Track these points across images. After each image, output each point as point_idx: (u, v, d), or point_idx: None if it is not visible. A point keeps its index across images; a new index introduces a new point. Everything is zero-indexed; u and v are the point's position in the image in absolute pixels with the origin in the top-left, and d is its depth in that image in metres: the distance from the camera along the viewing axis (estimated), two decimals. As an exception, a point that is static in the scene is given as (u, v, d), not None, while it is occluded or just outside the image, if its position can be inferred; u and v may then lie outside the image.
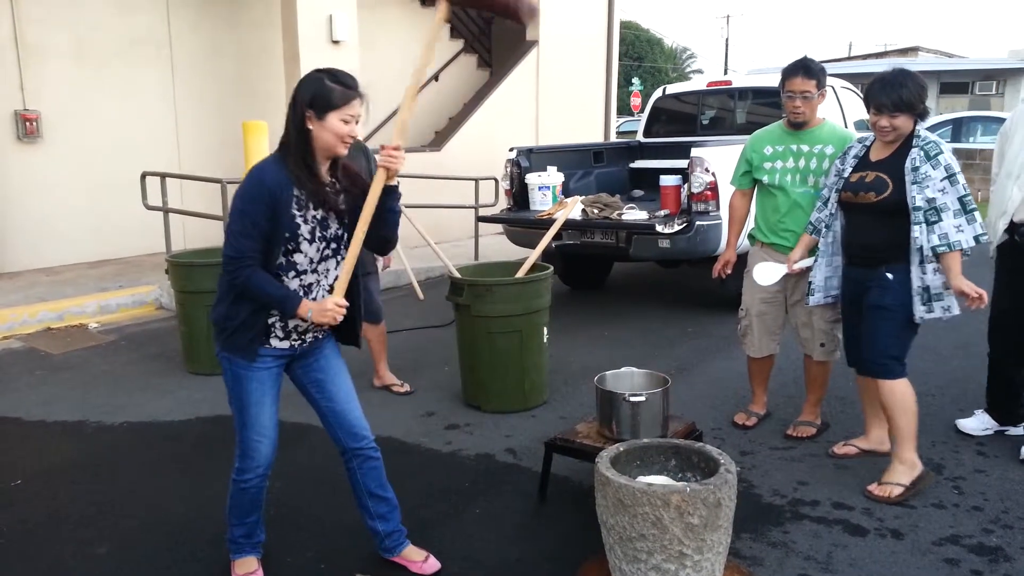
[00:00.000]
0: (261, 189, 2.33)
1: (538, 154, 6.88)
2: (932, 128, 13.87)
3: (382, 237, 2.57)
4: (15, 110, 7.46)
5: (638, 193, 7.28)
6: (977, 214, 3.15)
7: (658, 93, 8.15)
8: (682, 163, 5.95)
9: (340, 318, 2.44)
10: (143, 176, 6.93)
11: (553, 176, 6.62)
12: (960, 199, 3.14)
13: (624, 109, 26.49)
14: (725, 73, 38.24)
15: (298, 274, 2.45)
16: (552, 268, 4.49)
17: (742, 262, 4.10)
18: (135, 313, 6.55)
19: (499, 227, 7.21)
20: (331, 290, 2.50)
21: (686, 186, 5.86)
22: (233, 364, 2.47)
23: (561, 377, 4.82)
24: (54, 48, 7.66)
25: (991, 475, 3.47)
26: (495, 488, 3.41)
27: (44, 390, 4.75)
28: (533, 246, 4.80)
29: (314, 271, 2.48)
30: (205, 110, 8.74)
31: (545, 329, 4.38)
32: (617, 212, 6.04)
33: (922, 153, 3.18)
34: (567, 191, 6.79)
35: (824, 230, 3.53)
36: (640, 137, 8.02)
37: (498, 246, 8.48)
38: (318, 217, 2.44)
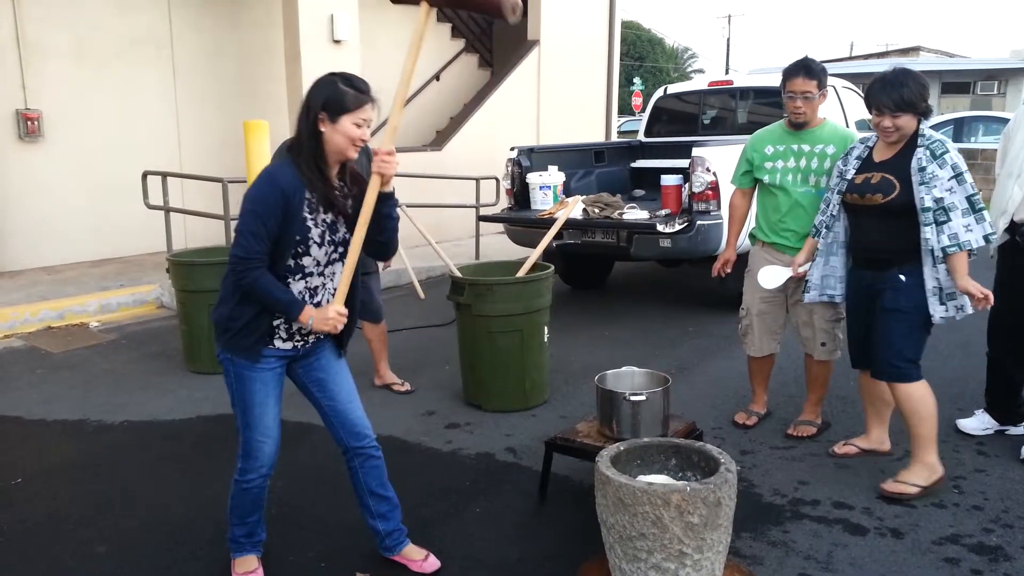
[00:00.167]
0: (275, 191, 2.33)
1: (539, 153, 6.87)
2: (933, 128, 13.85)
3: (381, 244, 2.57)
4: (16, 109, 7.46)
5: (639, 193, 7.28)
6: (986, 213, 3.13)
7: (659, 93, 8.15)
8: (683, 163, 5.95)
9: (341, 327, 2.46)
10: (144, 175, 6.94)
11: (554, 175, 6.62)
12: (968, 198, 3.10)
13: (625, 109, 26.48)
14: (726, 73, 38.24)
15: (305, 276, 2.46)
16: (553, 267, 4.50)
17: (742, 261, 4.11)
18: (136, 312, 6.56)
19: (500, 226, 7.22)
20: (334, 293, 2.50)
21: (687, 186, 5.87)
22: (236, 365, 2.48)
23: (562, 376, 4.82)
24: (55, 47, 7.67)
25: (991, 475, 3.47)
26: (495, 487, 3.41)
27: (45, 389, 4.76)
28: (534, 245, 4.80)
29: (320, 274, 2.49)
30: (206, 110, 8.75)
31: (546, 328, 4.38)
32: (618, 212, 6.04)
33: (928, 152, 3.15)
34: (568, 191, 6.78)
35: (824, 231, 3.52)
36: (641, 137, 8.01)
37: (499, 245, 8.48)
38: (328, 220, 2.45)
